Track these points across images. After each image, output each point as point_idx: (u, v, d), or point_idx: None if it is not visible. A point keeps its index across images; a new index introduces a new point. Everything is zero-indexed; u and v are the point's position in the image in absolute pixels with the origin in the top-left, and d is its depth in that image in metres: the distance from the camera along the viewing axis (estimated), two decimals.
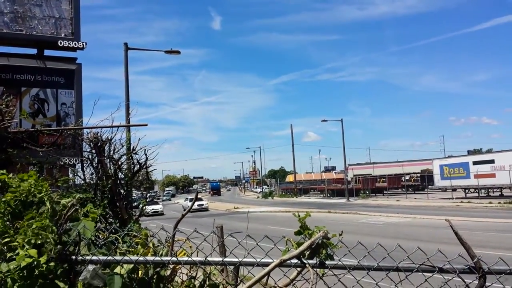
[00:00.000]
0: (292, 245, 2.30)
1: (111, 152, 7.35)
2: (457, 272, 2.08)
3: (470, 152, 62.54)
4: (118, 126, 7.53)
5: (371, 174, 68.08)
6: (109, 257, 2.40)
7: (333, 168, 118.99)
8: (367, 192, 57.76)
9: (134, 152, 7.92)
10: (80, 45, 17.10)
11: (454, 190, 45.69)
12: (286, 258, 2.12)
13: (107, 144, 7.29)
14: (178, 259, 2.39)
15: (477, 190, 44.32)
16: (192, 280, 2.62)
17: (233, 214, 39.69)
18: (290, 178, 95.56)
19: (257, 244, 2.37)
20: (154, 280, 2.47)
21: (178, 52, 21.57)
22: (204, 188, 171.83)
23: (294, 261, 2.22)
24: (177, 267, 2.69)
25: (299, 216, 2.60)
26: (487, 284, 2.05)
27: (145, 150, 7.85)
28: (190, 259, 2.38)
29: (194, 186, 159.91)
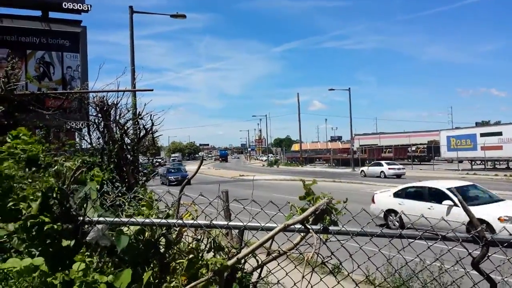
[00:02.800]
0: (297, 211, 2.31)
1: (117, 117, 7.36)
2: (460, 240, 2.09)
3: (478, 124, 62.10)
4: (124, 91, 7.50)
5: (377, 144, 67.98)
6: (116, 219, 2.43)
7: (339, 138, 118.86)
8: (372, 163, 57.85)
9: (140, 117, 7.92)
10: (85, 8, 16.86)
11: (460, 161, 45.67)
12: (290, 223, 2.13)
13: (113, 108, 7.28)
14: (184, 221, 2.41)
15: (483, 162, 44.26)
16: (198, 242, 2.65)
17: (238, 182, 40.00)
18: (295, 147, 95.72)
19: (261, 209, 2.38)
20: (160, 242, 2.51)
21: (184, 16, 21.24)
22: (210, 155, 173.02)
23: (298, 226, 2.24)
24: (183, 230, 2.72)
25: (304, 182, 2.60)
26: (489, 253, 2.05)
27: (151, 115, 7.84)
28: (195, 222, 2.40)
29: (200, 153, 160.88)
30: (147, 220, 2.42)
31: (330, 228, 2.24)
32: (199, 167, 2.97)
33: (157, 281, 2.44)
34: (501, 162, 44.41)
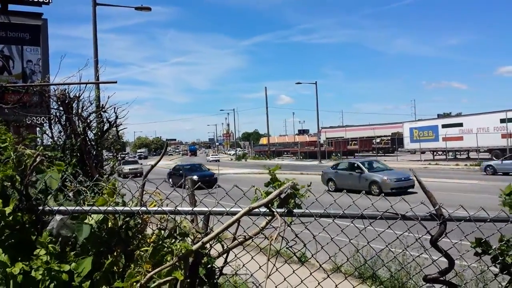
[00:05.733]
0: (261, 195, 2.33)
1: (80, 110, 7.19)
2: (419, 219, 2.16)
3: (439, 116, 63.93)
4: (86, 83, 7.33)
5: (343, 137, 69.07)
6: (77, 207, 2.39)
7: (306, 131, 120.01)
8: (339, 155, 58.77)
9: (103, 110, 7.76)
10: (46, 0, 16.28)
11: (423, 152, 47.01)
12: (255, 206, 2.15)
13: (75, 101, 7.11)
14: (148, 208, 2.39)
15: (445, 153, 45.74)
16: (162, 231, 2.63)
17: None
18: (263, 140, 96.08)
19: (226, 193, 2.39)
20: (123, 230, 2.48)
21: (149, 9, 20.88)
22: (177, 150, 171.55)
23: (263, 210, 2.26)
24: (147, 218, 2.70)
25: (269, 168, 2.63)
26: (447, 230, 2.14)
27: (114, 108, 7.70)
28: (159, 209, 2.39)
29: (167, 148, 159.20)
30: (109, 208, 2.39)
31: (294, 210, 2.28)
32: (164, 153, 2.94)
33: (121, 269, 2.41)
34: (461, 152, 46.03)
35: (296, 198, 2.33)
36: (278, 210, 2.24)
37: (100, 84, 9.17)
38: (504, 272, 2.22)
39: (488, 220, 2.14)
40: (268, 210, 2.22)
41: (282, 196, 2.22)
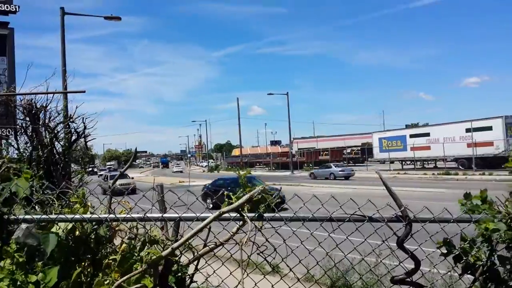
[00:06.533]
0: (232, 199, 2.34)
1: (47, 120, 7.04)
2: (386, 220, 2.21)
3: (407, 126, 65.50)
4: (54, 93, 7.20)
5: (315, 147, 69.77)
6: (44, 216, 2.33)
7: (279, 142, 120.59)
8: (310, 165, 59.26)
9: (71, 120, 7.62)
10: (13, 8, 15.94)
11: (392, 162, 47.88)
12: (225, 210, 2.16)
13: (42, 111, 6.96)
14: (116, 216, 2.36)
15: (413, 162, 46.76)
16: (132, 241, 2.59)
17: (177, 188, 39.37)
18: (236, 152, 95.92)
19: (197, 198, 2.39)
20: (91, 239, 2.43)
21: (119, 18, 20.69)
22: (148, 162, 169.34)
23: (234, 214, 2.27)
24: (117, 228, 2.66)
25: (239, 173, 2.64)
26: (412, 231, 2.19)
27: (83, 118, 7.57)
28: (128, 216, 2.36)
29: (137, 161, 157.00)
30: (77, 216, 2.35)
31: (264, 215, 2.29)
32: (132, 159, 2.91)
33: (89, 279, 2.36)
34: (429, 162, 47.16)
35: (267, 203, 2.35)
36: (249, 214, 2.25)
37: (68, 94, 9.00)
38: (468, 272, 2.29)
39: (452, 220, 2.21)
40: (238, 215, 2.23)
41: (253, 200, 2.24)
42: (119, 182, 32.64)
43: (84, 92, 7.74)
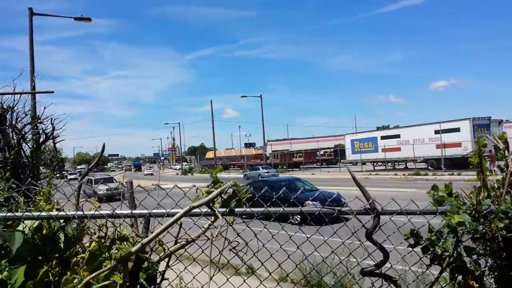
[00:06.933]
0: (203, 194, 2.33)
1: (14, 121, 6.86)
2: (354, 213, 2.24)
3: (378, 128, 66.65)
4: (21, 93, 7.02)
5: (289, 149, 70.18)
6: (8, 214, 2.27)
7: (253, 145, 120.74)
8: (284, 167, 59.57)
9: (39, 121, 7.44)
10: None
11: (363, 163, 48.57)
12: (196, 205, 2.14)
13: (9, 112, 6.78)
14: (84, 213, 2.32)
15: (384, 163, 47.60)
16: (102, 239, 2.54)
17: (150, 192, 38.80)
18: (210, 154, 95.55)
19: (167, 194, 2.36)
20: (59, 236, 2.38)
21: (89, 19, 20.32)
22: (120, 165, 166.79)
23: (205, 210, 2.26)
24: (86, 226, 2.61)
25: (211, 172, 2.63)
26: (381, 223, 2.23)
27: (51, 119, 7.40)
28: (97, 212, 2.32)
29: (109, 164, 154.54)
30: (43, 214, 2.29)
31: (236, 209, 2.29)
32: (100, 156, 2.86)
33: (57, 278, 2.31)
34: (400, 163, 48.08)
35: (238, 198, 2.35)
36: (220, 209, 2.25)
37: (36, 96, 8.79)
38: (435, 263, 2.34)
39: (418, 212, 2.26)
40: (209, 210, 2.22)
41: (224, 195, 2.23)
42: (105, 186, 29.84)
43: (52, 92, 7.57)
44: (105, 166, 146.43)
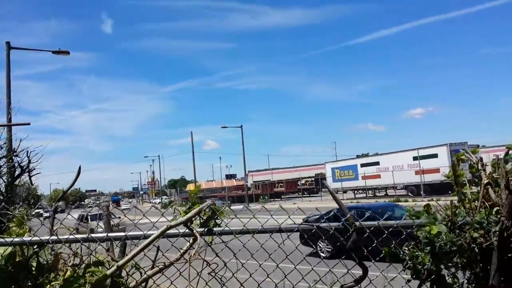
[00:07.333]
0: (180, 214, 2.30)
1: None
2: (333, 228, 2.25)
3: (358, 156, 67.35)
4: None
5: (270, 179, 70.12)
6: None
7: (234, 176, 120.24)
8: (266, 198, 59.35)
9: (14, 154, 7.31)
10: None
11: (345, 192, 48.74)
12: (173, 224, 2.12)
13: None
14: (59, 237, 2.26)
15: (365, 191, 47.87)
16: (76, 268, 2.48)
17: (128, 227, 38.08)
18: (191, 187, 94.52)
19: (144, 215, 2.33)
20: (32, 263, 2.31)
21: (67, 53, 20.29)
22: (98, 201, 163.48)
23: (183, 230, 2.23)
24: (59, 256, 2.54)
25: (190, 191, 2.61)
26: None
27: (27, 151, 7.28)
28: (71, 236, 2.26)
29: (86, 200, 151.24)
30: (16, 239, 2.22)
31: (214, 229, 2.27)
32: (76, 179, 2.80)
33: None
34: (380, 190, 48.43)
35: (217, 218, 2.33)
36: (198, 229, 2.22)
37: (12, 128, 8.65)
38: (413, 277, 2.35)
39: (395, 225, 2.28)
40: (188, 230, 2.19)
41: (204, 217, 2.22)
42: (101, 222, 26.82)
43: (28, 124, 7.47)
44: (82, 202, 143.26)
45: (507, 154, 2.53)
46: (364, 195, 48.18)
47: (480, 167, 2.67)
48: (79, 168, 2.48)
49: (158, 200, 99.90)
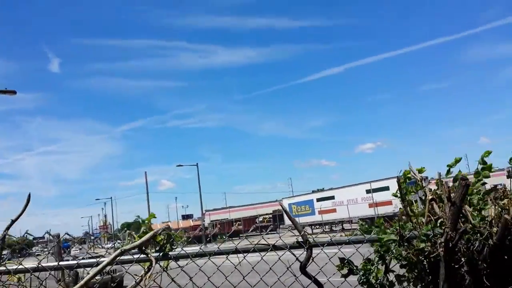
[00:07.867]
0: (135, 238, 2.27)
1: None
2: (288, 247, 2.29)
3: (314, 191, 68.15)
4: None
5: (227, 218, 69.32)
6: None
7: (190, 216, 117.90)
8: (224, 237, 58.45)
9: None
10: None
11: (302, 227, 48.78)
12: (128, 248, 2.08)
13: None
14: (7, 268, 2.16)
15: (321, 226, 48.20)
16: None
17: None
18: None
19: (101, 246, 2.28)
20: None
21: (14, 92, 19.67)
22: (45, 249, 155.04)
23: (137, 256, 2.20)
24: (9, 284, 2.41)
25: (142, 219, 2.59)
26: (313, 254, 2.29)
27: None
28: (20, 266, 2.17)
29: (33, 248, 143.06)
30: None
31: (170, 253, 2.25)
32: (25, 208, 2.68)
33: None
34: (336, 224, 48.93)
35: (172, 242, 2.32)
36: (154, 254, 2.20)
37: None
38: None
39: (347, 241, 2.35)
40: (142, 254, 2.16)
41: (156, 237, 2.20)
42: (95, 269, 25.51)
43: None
44: (31, 251, 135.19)
45: (456, 176, 2.68)
46: (321, 230, 48.46)
47: (424, 185, 2.83)
48: (29, 195, 2.40)
49: (110, 245, 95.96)
